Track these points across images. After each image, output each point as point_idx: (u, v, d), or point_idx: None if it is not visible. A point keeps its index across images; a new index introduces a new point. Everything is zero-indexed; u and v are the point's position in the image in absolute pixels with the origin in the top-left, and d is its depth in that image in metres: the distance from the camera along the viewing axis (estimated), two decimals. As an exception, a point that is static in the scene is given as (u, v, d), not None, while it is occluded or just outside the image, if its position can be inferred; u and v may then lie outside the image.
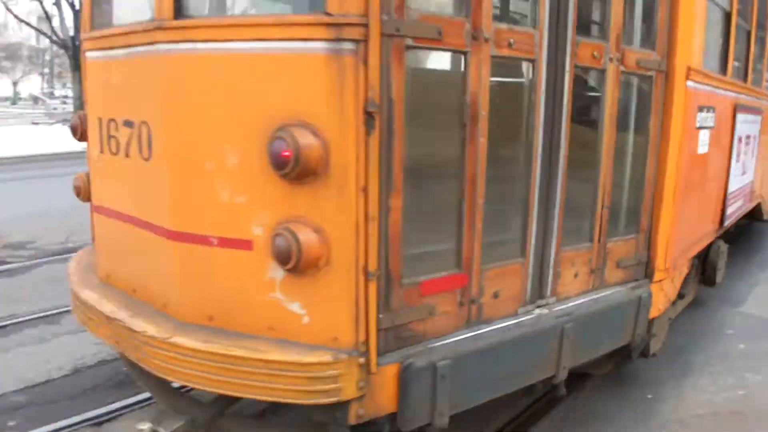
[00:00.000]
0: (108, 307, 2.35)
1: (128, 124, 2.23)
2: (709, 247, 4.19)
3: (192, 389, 2.73)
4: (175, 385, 2.50)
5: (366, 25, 1.82)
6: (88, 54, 2.60)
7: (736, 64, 4.09)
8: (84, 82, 2.81)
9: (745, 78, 4.34)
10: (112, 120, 2.32)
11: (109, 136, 2.36)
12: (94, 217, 2.73)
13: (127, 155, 2.27)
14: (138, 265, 2.35)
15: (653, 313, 3.03)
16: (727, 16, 3.73)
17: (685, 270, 3.59)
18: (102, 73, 2.45)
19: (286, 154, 1.84)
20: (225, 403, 2.40)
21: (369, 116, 1.85)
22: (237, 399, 2.44)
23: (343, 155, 1.86)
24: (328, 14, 1.82)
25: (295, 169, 1.85)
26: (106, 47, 2.36)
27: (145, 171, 2.18)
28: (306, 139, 1.83)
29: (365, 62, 1.82)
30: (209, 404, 2.40)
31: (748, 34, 4.34)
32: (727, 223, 4.20)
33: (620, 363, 3.41)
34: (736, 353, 4.51)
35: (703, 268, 4.32)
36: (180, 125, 2.02)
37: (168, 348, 2.05)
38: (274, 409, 2.90)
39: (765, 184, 5.64)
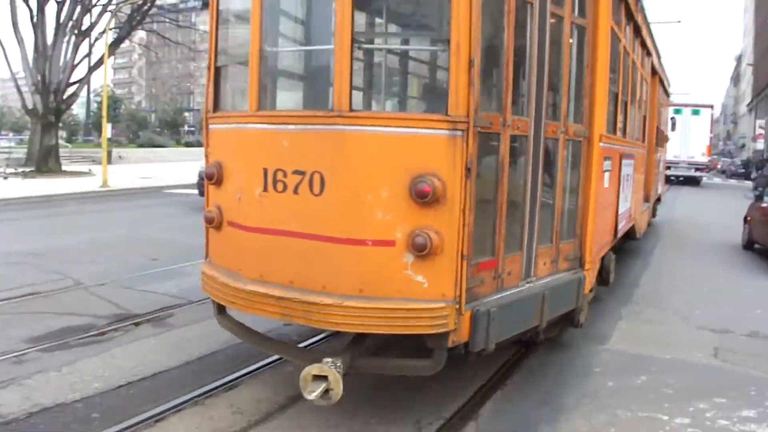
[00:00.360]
0: (277, 293, 3.82)
1: (298, 172, 3.77)
2: (604, 256, 6.22)
3: (314, 347, 4.26)
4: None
5: (467, 122, 3.56)
6: (225, 126, 4.10)
7: (620, 125, 6.30)
8: (212, 145, 4.29)
9: (624, 134, 6.59)
10: (280, 170, 3.83)
11: (276, 180, 3.86)
12: (241, 235, 4.15)
13: (295, 192, 3.79)
14: (297, 264, 3.83)
15: (586, 289, 4.98)
16: (616, 96, 5.90)
17: (597, 266, 5.61)
18: (262, 139, 3.94)
19: (427, 189, 3.52)
20: (355, 348, 3.95)
21: (467, 170, 3.58)
22: (363, 343, 4.00)
23: (453, 191, 3.57)
24: (448, 115, 3.55)
25: (430, 198, 3.53)
26: (273, 122, 3.87)
27: (315, 202, 3.72)
28: (437, 182, 3.53)
29: (466, 142, 3.57)
30: (343, 351, 3.94)
31: (626, 105, 6.61)
32: (619, 235, 6.35)
33: (563, 329, 5.33)
34: (605, 391, 4.73)
35: (600, 272, 6.19)
36: (350, 174, 3.62)
37: (341, 310, 3.60)
38: (387, 348, 4.46)
39: (637, 210, 8.01)
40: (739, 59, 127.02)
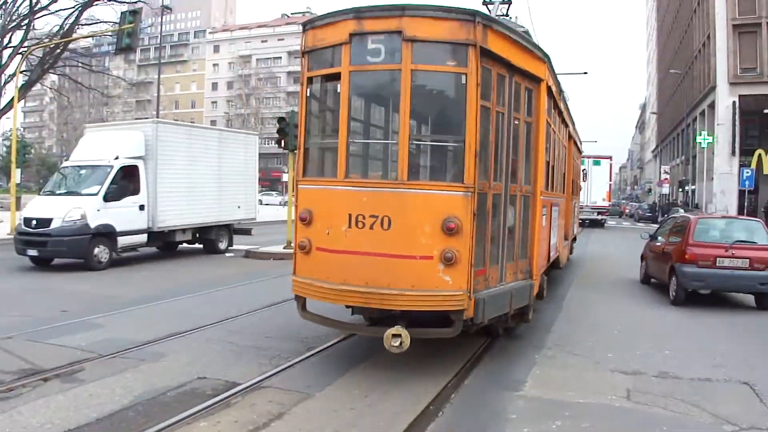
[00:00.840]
0: (360, 289, 6.72)
1: (373, 216, 6.72)
2: (541, 274, 9.38)
3: (377, 324, 7.18)
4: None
5: (473, 188, 6.66)
6: (315, 186, 6.99)
7: (551, 184, 9.63)
8: (302, 199, 7.18)
9: (553, 189, 9.94)
10: (361, 214, 6.76)
11: (357, 221, 6.80)
12: (328, 256, 7.01)
13: (371, 228, 6.75)
14: (370, 272, 6.72)
15: (534, 293, 8.14)
16: (548, 164, 9.22)
17: (539, 280, 8.82)
18: (348, 195, 6.83)
19: (452, 226, 6.56)
20: (403, 321, 6.88)
21: (474, 215, 6.67)
22: (407, 319, 6.94)
23: (466, 227, 6.62)
24: (464, 184, 6.63)
25: (454, 231, 6.58)
26: (357, 186, 6.80)
27: (384, 234, 6.67)
28: (458, 222, 6.58)
29: (473, 198, 6.66)
30: (393, 319, 6.85)
31: (554, 168, 9.97)
32: (551, 260, 9.64)
33: (519, 323, 8.44)
34: (522, 437, 5.00)
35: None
36: (407, 217, 6.60)
37: (402, 297, 6.53)
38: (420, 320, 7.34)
39: (561, 244, 11.38)
40: (643, 108, 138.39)
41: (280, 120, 19.67)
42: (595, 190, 37.61)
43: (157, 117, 39.15)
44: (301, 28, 7.55)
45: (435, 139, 7.20)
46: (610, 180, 41.85)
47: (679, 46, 68.32)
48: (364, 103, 7.25)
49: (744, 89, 45.01)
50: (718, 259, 12.14)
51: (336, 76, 6.93)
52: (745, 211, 35.29)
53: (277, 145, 20.17)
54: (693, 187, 58.82)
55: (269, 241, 22.29)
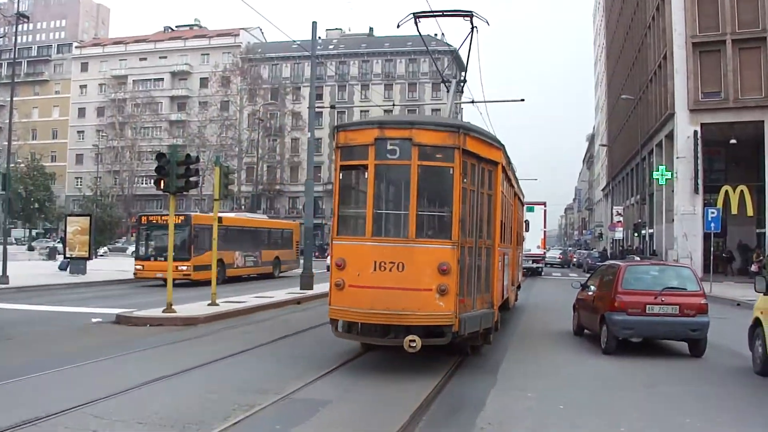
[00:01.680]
0: (383, 312, 12.75)
1: (392, 262, 12.73)
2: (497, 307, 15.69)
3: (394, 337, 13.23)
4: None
5: (458, 243, 12.82)
6: (347, 242, 13.18)
7: (504, 237, 16.08)
8: (336, 251, 13.25)
9: (505, 241, 16.42)
10: (383, 261, 12.70)
11: (381, 266, 12.81)
12: (359, 290, 12.99)
13: (390, 271, 12.82)
14: (390, 300, 12.71)
15: (495, 318, 14.48)
16: (502, 222, 15.66)
17: (497, 312, 15.17)
18: (374, 248, 12.83)
19: (445, 268, 12.64)
20: (410, 333, 12.96)
21: (458, 261, 12.83)
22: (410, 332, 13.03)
23: (453, 269, 12.67)
24: (452, 240, 12.78)
25: (446, 272, 12.70)
26: (380, 242, 12.83)
27: (400, 274, 12.70)
28: (448, 266, 12.72)
29: (457, 250, 12.85)
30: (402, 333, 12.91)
31: (505, 225, 16.45)
32: (505, 296, 16.12)
33: (482, 344, 14.73)
34: None
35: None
36: (415, 263, 12.62)
37: (413, 316, 12.56)
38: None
39: (509, 288, 17.92)
40: (591, 139, 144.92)
41: (160, 156, 20.11)
42: (530, 238, 40.25)
43: (8, 151, 40.98)
44: (335, 129, 13.75)
45: (432, 210, 13.34)
46: (545, 227, 47.43)
47: (631, 68, 69.11)
48: (384, 185, 13.30)
49: (706, 116, 45.72)
50: (647, 306, 15.00)
51: (364, 166, 13.07)
52: (711, 257, 37.94)
53: (155, 186, 20.36)
54: (651, 230, 60.05)
55: (145, 303, 23.91)
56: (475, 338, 14.22)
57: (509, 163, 16.94)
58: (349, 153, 13.39)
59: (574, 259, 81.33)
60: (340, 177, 13.55)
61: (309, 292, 29.41)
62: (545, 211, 46.79)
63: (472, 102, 33.50)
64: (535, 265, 47.34)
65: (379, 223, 13.14)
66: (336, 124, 14.22)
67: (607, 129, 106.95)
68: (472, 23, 17.87)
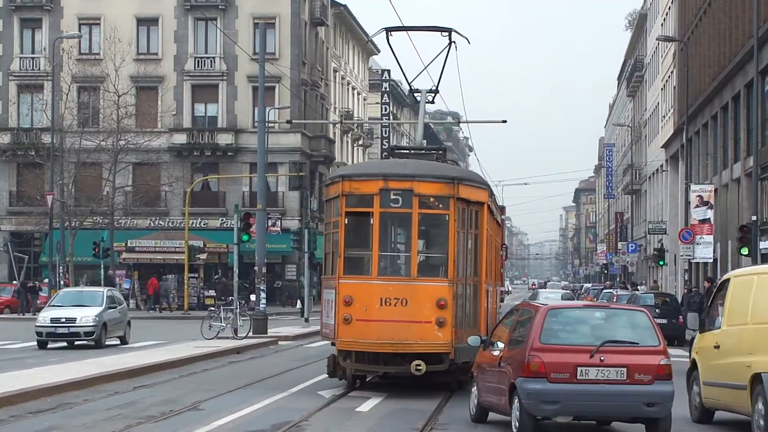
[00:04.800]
0: (389, 342, 15.07)
1: (396, 299, 15.46)
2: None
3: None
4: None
5: (454, 281, 15.63)
6: (353, 281, 15.78)
7: (489, 274, 18.43)
8: (343, 288, 15.36)
9: (490, 278, 18.65)
10: (389, 298, 15.49)
11: (387, 302, 15.34)
12: (366, 323, 15.15)
13: (394, 306, 15.30)
14: (394, 331, 15.30)
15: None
16: (488, 261, 17.81)
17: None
18: (380, 287, 15.34)
19: (443, 303, 15.38)
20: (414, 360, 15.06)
21: (453, 297, 15.31)
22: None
23: (450, 304, 15.57)
24: (448, 278, 15.43)
25: (444, 306, 15.16)
26: (385, 281, 15.40)
27: (404, 309, 15.41)
28: (446, 301, 15.15)
29: (453, 287, 15.34)
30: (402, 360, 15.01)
31: (487, 260, 18.65)
32: (490, 328, 18.30)
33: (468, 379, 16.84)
34: None
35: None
36: (417, 299, 15.37)
37: (416, 345, 15.23)
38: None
39: (493, 316, 20.02)
40: (636, 25, 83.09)
41: None
42: None
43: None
44: (337, 178, 16.44)
45: (431, 251, 16.25)
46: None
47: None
48: (387, 229, 16.11)
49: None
50: (579, 369, 10.83)
51: (369, 213, 15.72)
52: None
53: None
54: None
55: None
56: (465, 371, 16.10)
57: (493, 198, 19.73)
58: (355, 200, 16.01)
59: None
60: (346, 222, 16.08)
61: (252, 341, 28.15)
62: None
63: (458, 123, 32.67)
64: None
65: (384, 263, 15.83)
66: (341, 173, 17.16)
67: (678, 10, 55.57)
68: (450, 39, 18.76)
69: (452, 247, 15.37)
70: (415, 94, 21.86)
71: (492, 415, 12.63)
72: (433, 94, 20.96)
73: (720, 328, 12.62)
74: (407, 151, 19.28)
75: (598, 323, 11.65)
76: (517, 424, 11.12)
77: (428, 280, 15.42)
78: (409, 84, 21.66)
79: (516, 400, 11.08)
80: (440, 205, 15.51)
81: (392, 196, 15.23)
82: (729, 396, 12.08)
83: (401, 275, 15.62)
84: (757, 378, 11.00)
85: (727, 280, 13.20)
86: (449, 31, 18.44)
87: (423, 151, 18.67)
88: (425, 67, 20.68)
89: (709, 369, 12.72)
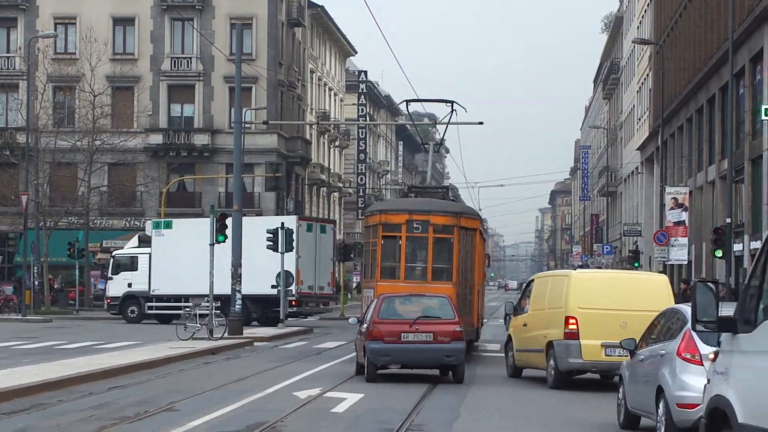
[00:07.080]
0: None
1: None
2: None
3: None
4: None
5: (457, 284, 21.51)
6: (386, 283, 21.00)
7: (480, 277, 24.66)
8: (377, 288, 20.83)
9: (479, 281, 22.68)
10: (411, 294, 20.25)
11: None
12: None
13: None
14: None
15: (476, 334, 23.31)
16: (477, 268, 20.70)
17: (478, 326, 23.22)
18: (403, 287, 20.47)
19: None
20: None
21: (457, 295, 20.97)
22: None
23: (455, 300, 20.15)
24: (453, 282, 21.25)
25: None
26: (410, 283, 20.83)
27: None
28: (452, 298, 20.15)
29: (456, 289, 21.04)
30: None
31: (478, 268, 21.10)
32: (480, 320, 24.61)
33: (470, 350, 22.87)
34: None
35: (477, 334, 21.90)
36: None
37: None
38: None
39: (482, 307, 23.56)
40: (612, 28, 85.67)
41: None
42: (306, 269, 32.68)
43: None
44: (376, 211, 23.24)
45: (441, 263, 21.34)
46: (333, 254, 36.94)
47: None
48: (411, 248, 21.64)
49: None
50: (402, 334, 17.42)
51: (398, 237, 21.43)
52: None
53: None
54: (754, 243, 30.77)
55: None
56: (468, 346, 21.33)
57: (482, 224, 26.90)
58: (388, 228, 21.74)
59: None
60: (382, 242, 21.92)
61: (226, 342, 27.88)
62: (335, 231, 37.72)
63: (434, 124, 40.70)
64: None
65: (408, 271, 21.50)
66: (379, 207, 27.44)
67: (654, 13, 58.30)
68: (452, 108, 27.08)
69: (456, 261, 21.23)
70: (424, 147, 33.34)
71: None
72: (439, 146, 34.54)
73: (527, 312, 18.91)
74: (421, 189, 29.06)
75: (416, 305, 18.08)
76: (367, 369, 17.38)
77: (439, 283, 20.76)
78: (422, 142, 36.01)
79: (365, 355, 17.60)
80: (448, 232, 21.58)
81: (415, 225, 21.37)
82: (533, 358, 18.22)
83: (420, 279, 21.30)
84: (550, 344, 16.89)
85: (532, 280, 20.88)
86: (451, 102, 26.98)
87: (432, 190, 26.98)
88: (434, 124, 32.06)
89: (519, 340, 18.86)
